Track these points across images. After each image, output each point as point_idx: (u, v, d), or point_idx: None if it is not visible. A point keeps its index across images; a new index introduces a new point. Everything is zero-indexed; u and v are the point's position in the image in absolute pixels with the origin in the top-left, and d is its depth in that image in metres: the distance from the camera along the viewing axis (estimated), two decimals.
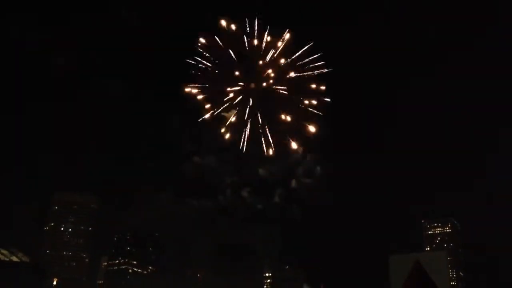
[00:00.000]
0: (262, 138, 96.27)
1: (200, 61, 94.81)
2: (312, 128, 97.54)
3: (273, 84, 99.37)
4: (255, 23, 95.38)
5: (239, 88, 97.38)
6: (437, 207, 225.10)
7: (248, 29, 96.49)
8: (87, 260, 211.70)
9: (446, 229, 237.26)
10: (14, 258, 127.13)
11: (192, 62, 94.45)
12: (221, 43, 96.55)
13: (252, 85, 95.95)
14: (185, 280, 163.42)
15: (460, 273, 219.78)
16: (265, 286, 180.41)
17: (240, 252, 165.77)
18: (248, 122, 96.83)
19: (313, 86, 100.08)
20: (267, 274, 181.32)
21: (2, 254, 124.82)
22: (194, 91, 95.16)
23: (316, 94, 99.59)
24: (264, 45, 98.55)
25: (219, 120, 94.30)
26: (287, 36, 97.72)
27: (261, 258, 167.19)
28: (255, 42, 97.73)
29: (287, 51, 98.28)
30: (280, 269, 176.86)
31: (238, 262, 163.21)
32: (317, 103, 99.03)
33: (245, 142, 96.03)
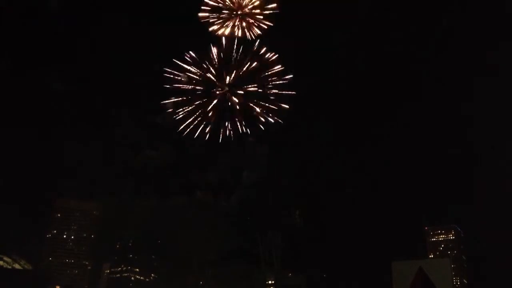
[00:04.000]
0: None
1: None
2: None
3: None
4: None
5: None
6: (440, 214, 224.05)
7: None
8: (89, 267, 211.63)
9: (450, 236, 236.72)
10: (17, 266, 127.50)
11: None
12: None
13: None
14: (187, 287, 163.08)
15: (464, 280, 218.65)
16: None
17: (242, 258, 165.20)
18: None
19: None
20: (269, 282, 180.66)
21: (5, 261, 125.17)
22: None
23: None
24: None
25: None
26: None
27: (263, 265, 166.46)
28: None
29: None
30: (282, 275, 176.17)
31: (240, 269, 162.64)
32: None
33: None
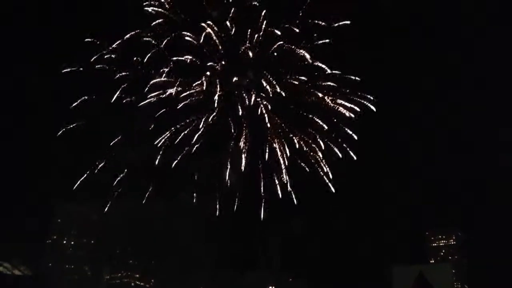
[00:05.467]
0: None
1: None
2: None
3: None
4: None
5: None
6: (441, 218, 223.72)
7: None
8: (89, 273, 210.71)
9: (451, 241, 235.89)
10: (17, 272, 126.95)
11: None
12: None
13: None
14: None
15: (465, 285, 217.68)
16: None
17: (242, 263, 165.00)
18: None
19: None
20: (270, 287, 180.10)
21: (5, 267, 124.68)
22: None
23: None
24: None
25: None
26: None
27: (264, 270, 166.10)
28: None
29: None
30: (283, 281, 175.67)
31: (240, 273, 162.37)
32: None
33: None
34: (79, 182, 77.46)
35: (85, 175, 75.92)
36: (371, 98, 67.08)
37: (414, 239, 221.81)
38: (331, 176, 69.29)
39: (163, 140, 69.62)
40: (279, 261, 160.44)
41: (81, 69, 69.21)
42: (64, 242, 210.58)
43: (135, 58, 68.28)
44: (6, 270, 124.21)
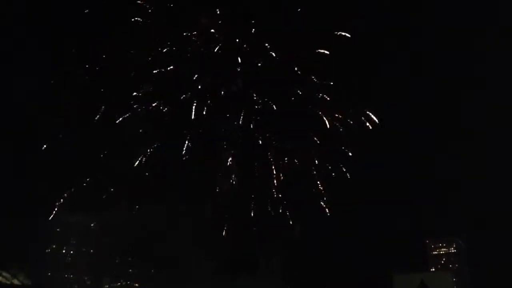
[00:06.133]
0: None
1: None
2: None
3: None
4: None
5: None
6: (442, 226, 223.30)
7: None
8: (89, 282, 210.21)
9: (451, 249, 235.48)
10: (16, 281, 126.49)
11: None
12: None
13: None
14: None
15: None
16: None
17: (241, 270, 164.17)
18: None
19: None
20: None
21: (3, 276, 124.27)
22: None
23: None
24: None
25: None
26: None
27: (263, 277, 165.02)
28: None
29: None
30: None
31: (240, 279, 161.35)
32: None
33: None
34: (68, 193, 76.07)
35: (73, 188, 74.33)
36: (369, 113, 64.35)
37: (414, 247, 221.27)
38: (325, 198, 66.58)
39: (149, 152, 67.73)
40: (279, 269, 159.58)
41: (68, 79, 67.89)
42: (64, 251, 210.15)
43: (123, 70, 65.80)
44: (5, 280, 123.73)
